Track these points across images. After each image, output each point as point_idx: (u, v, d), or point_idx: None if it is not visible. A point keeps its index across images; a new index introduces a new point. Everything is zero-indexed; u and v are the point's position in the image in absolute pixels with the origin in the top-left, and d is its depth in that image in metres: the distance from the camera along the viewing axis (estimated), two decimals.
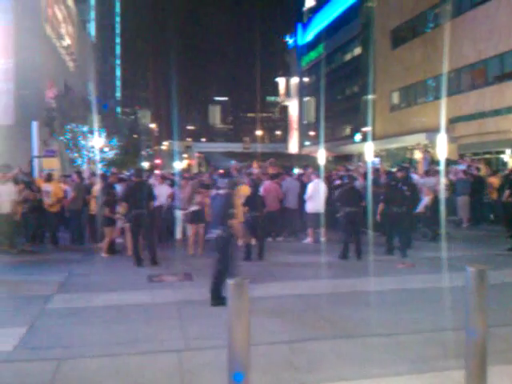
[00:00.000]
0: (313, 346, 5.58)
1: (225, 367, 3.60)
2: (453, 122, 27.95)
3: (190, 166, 41.06)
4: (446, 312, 6.70)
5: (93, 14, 58.46)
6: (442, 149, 18.68)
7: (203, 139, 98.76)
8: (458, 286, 7.04)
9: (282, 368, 4.96)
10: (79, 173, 14.48)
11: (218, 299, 7.10)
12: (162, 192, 12.57)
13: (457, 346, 5.02)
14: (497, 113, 25.70)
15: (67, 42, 37.84)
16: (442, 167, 15.38)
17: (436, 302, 7.23)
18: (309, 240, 12.98)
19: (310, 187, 12.81)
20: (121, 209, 11.22)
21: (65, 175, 14.62)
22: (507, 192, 11.74)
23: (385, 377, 4.72)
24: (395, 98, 37.07)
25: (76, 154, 29.12)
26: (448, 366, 4.86)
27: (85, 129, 28.28)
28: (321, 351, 5.43)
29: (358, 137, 42.23)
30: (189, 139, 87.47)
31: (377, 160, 29.38)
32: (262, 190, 12.55)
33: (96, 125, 25.44)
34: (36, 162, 21.09)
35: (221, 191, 7.51)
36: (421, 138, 29.68)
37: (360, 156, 37.32)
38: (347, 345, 5.64)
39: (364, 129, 40.15)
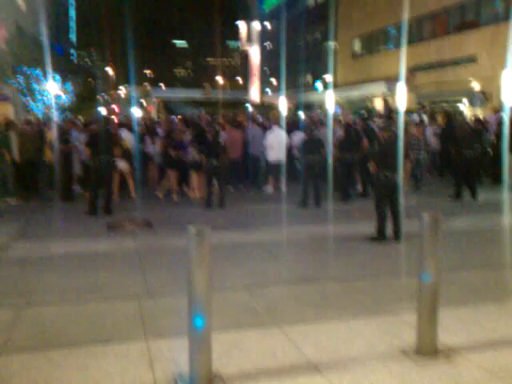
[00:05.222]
0: (273, 290, 5.71)
1: (186, 312, 3.64)
2: (413, 70, 28.03)
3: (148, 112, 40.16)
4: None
5: None
6: (402, 98, 18.84)
7: (161, 84, 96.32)
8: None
9: (241, 311, 5.08)
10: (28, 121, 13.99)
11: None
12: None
13: (410, 291, 5.21)
14: (456, 62, 25.88)
15: None
16: (401, 116, 15.50)
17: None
18: (269, 188, 13.06)
19: (269, 136, 12.77)
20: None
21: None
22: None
23: (340, 319, 4.88)
24: (357, 45, 36.78)
25: (29, 99, 28.01)
26: (401, 309, 5.06)
27: (38, 71, 27.11)
28: (280, 295, 5.57)
29: (318, 85, 41.96)
30: (146, 84, 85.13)
31: (337, 108, 29.30)
32: (223, 138, 12.44)
33: (49, 68, 24.37)
34: None
35: None
36: (381, 87, 29.74)
37: (321, 105, 37.17)
38: (306, 289, 5.78)
39: (325, 76, 39.89)
